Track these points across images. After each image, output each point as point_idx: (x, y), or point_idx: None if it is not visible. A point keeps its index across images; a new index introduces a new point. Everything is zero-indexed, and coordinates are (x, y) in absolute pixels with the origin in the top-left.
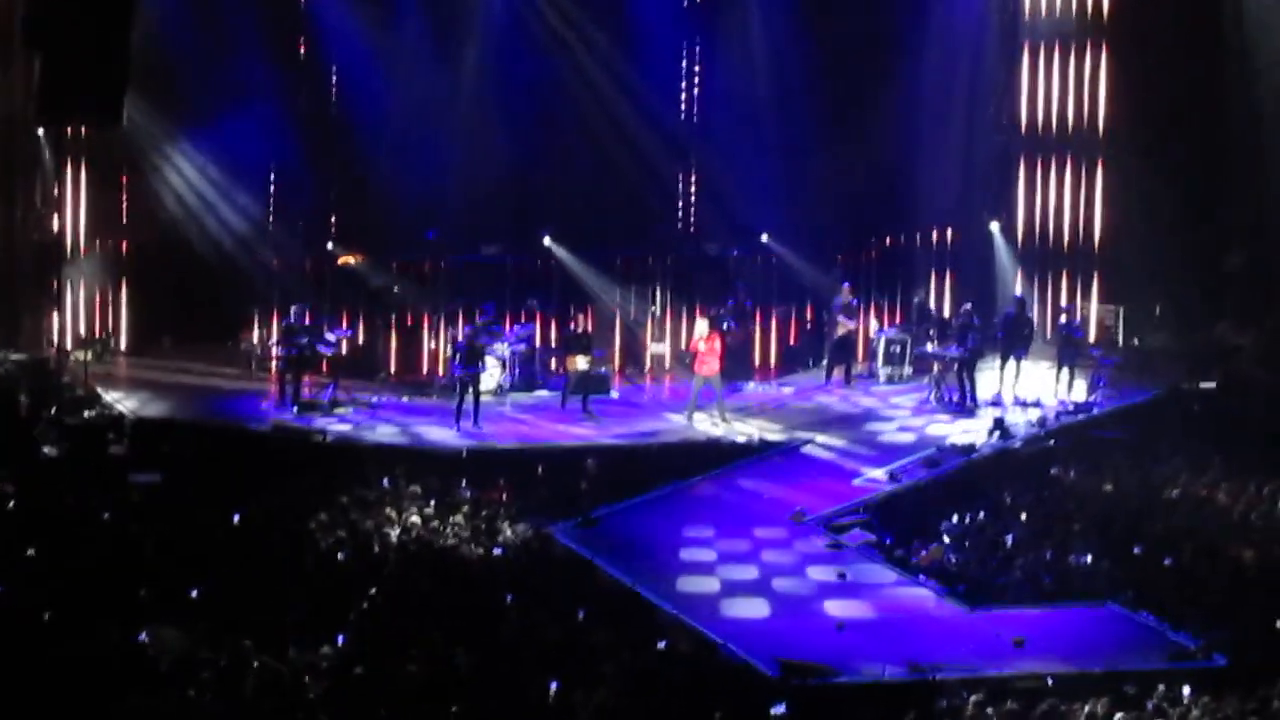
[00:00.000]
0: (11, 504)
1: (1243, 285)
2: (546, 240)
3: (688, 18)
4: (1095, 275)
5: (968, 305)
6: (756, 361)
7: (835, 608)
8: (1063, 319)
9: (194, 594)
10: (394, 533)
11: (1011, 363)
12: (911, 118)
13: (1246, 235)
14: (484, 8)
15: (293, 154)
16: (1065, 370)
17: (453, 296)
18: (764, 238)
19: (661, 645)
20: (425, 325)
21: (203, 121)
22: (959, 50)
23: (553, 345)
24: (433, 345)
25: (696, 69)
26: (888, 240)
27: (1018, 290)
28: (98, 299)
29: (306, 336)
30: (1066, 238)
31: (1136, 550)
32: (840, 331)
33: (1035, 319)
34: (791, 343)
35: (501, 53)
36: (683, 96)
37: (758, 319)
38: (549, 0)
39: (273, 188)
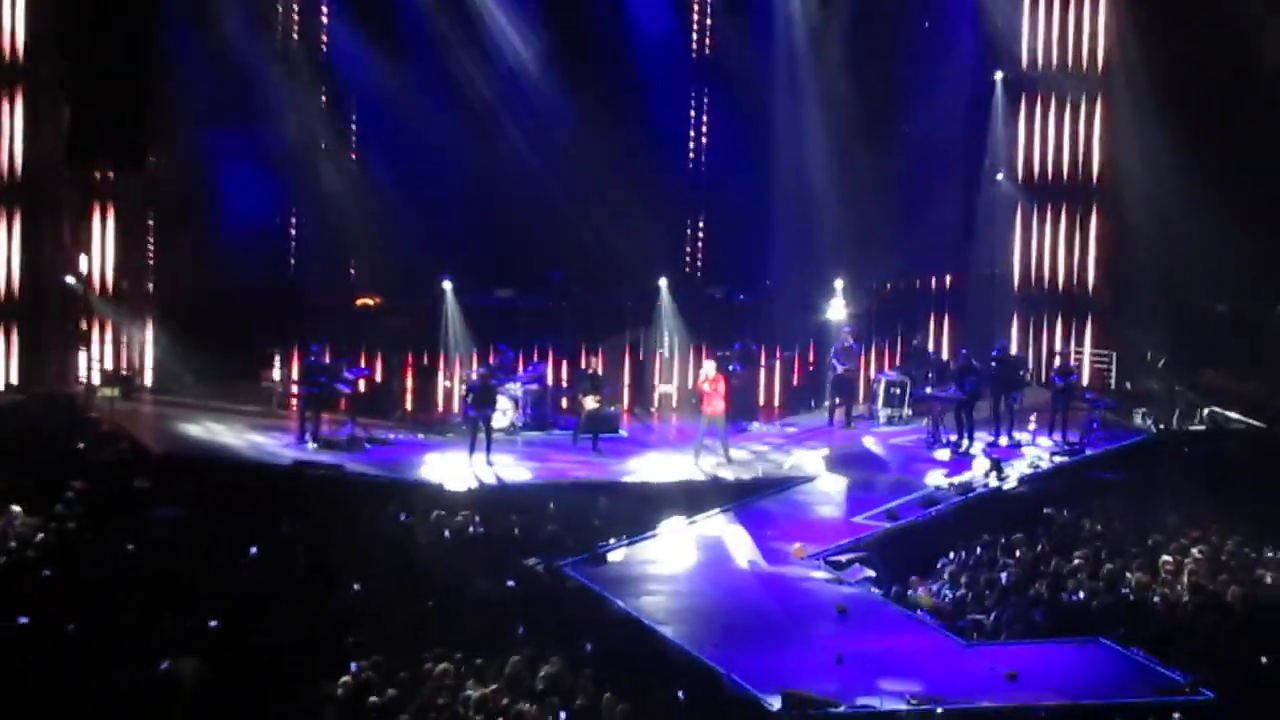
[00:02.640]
0: (39, 536)
1: (1230, 334)
2: (556, 281)
3: (696, 69)
4: (1089, 322)
5: (965, 350)
6: (761, 402)
7: (835, 641)
8: (1056, 362)
9: (213, 624)
10: (408, 565)
11: (1005, 405)
12: (912, 166)
13: (1231, 288)
14: (498, 60)
15: (312, 199)
16: (1059, 412)
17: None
18: (768, 283)
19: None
20: (440, 365)
21: (225, 167)
22: (958, 100)
23: (564, 385)
24: (447, 384)
25: (704, 119)
26: (889, 285)
27: (1011, 335)
28: (123, 338)
29: (325, 375)
30: (1061, 284)
31: (1127, 589)
32: (839, 373)
33: (1030, 362)
34: (795, 384)
35: (515, 102)
36: (691, 146)
37: (762, 361)
38: (563, 52)
39: (293, 231)
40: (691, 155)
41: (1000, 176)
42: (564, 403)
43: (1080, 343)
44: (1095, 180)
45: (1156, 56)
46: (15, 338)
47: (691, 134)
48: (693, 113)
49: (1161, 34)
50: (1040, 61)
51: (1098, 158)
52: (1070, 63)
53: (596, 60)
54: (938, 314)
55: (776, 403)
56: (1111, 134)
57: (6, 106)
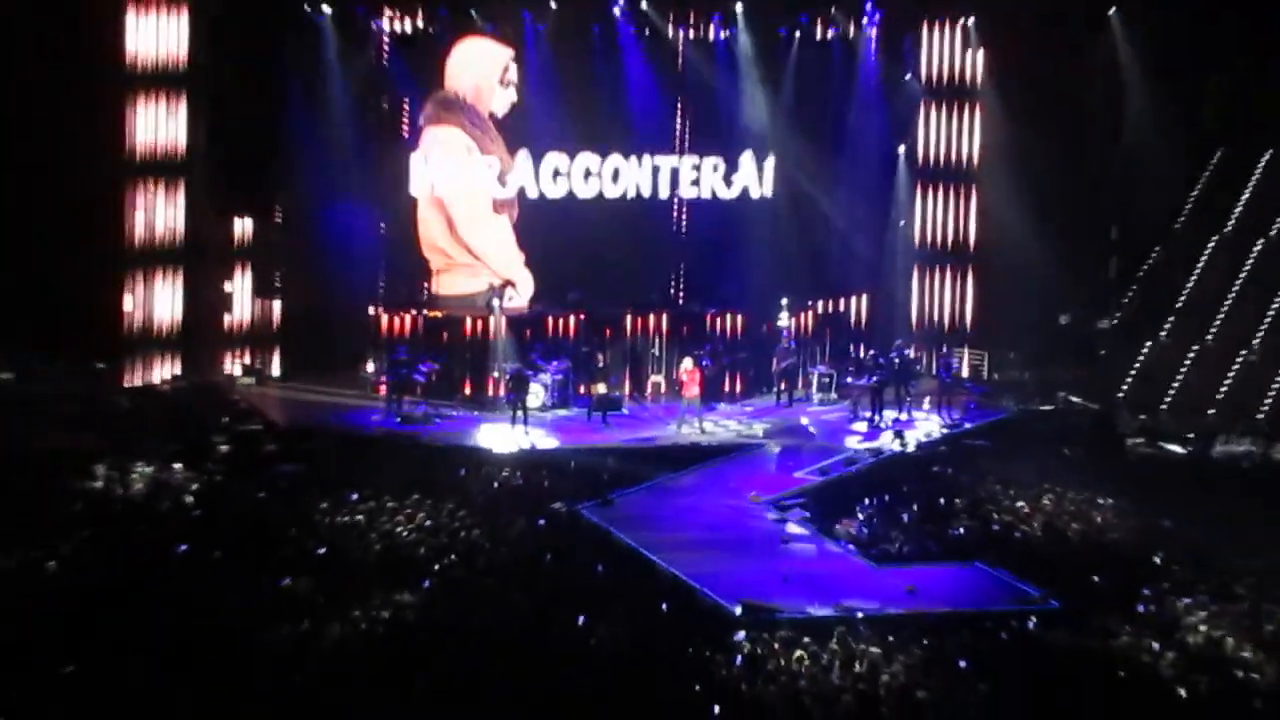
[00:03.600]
0: (195, 487)
1: (1070, 338)
2: (577, 299)
3: (681, 135)
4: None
5: (874, 350)
6: (726, 388)
7: (782, 564)
8: (944, 359)
9: (320, 552)
10: (465, 508)
11: (904, 390)
12: (836, 213)
13: (1070, 303)
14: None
15: (399, 237)
16: (945, 397)
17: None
18: (729, 299)
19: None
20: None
21: (331, 209)
22: (872, 172)
23: (581, 374)
24: (495, 375)
25: (682, 179)
26: (821, 304)
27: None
28: (259, 317)
29: (406, 368)
30: (949, 313)
31: (995, 526)
32: (782, 365)
33: (924, 361)
34: (751, 375)
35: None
36: (674, 201)
37: (725, 358)
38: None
39: (382, 261)
40: (675, 208)
41: (903, 223)
42: (581, 388)
43: (961, 346)
44: (973, 246)
45: (1016, 150)
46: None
47: (674, 189)
48: (676, 174)
49: (1020, 133)
50: (932, 153)
51: (974, 226)
52: (953, 156)
53: (608, 128)
54: (857, 324)
55: (738, 389)
56: (983, 209)
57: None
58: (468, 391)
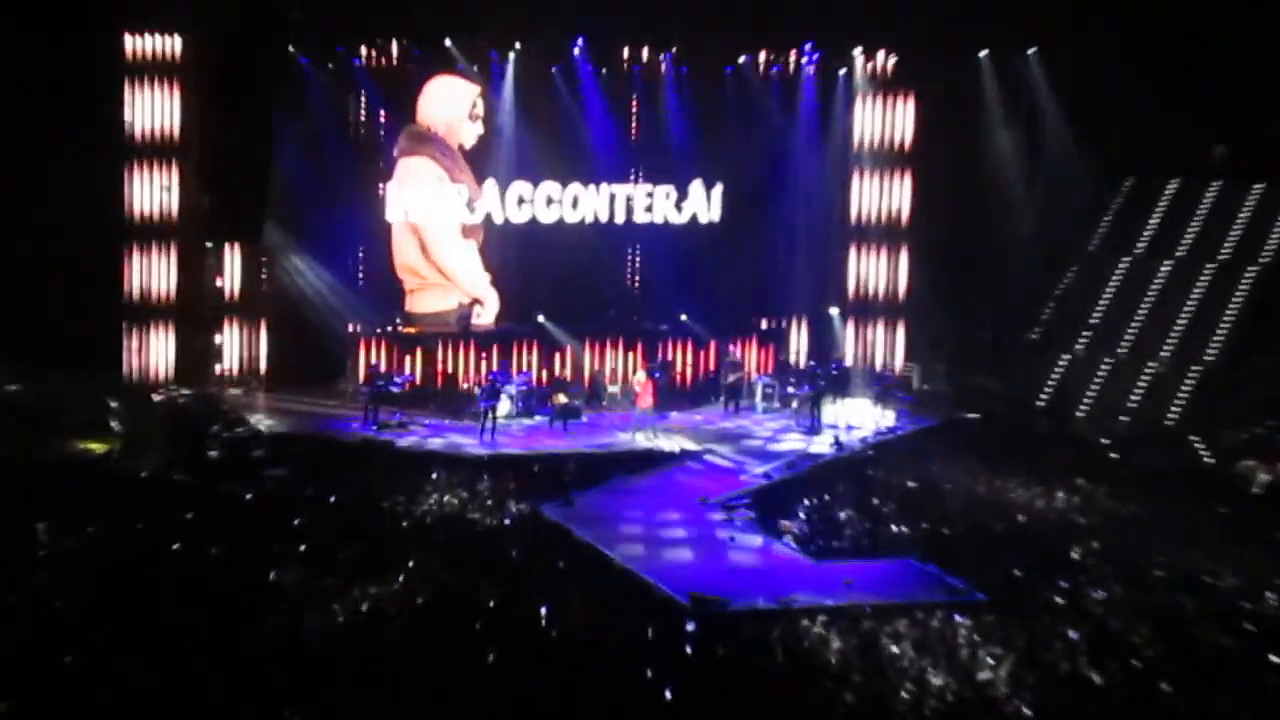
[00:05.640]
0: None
1: (991, 351)
2: (541, 318)
3: (632, 154)
4: (901, 342)
5: (811, 362)
6: (677, 398)
7: (728, 559)
8: (877, 370)
9: (303, 548)
10: (438, 508)
11: (840, 400)
12: (778, 237)
13: (990, 318)
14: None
15: (376, 260)
16: (879, 406)
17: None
18: (683, 317)
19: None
20: (461, 374)
21: (314, 234)
22: (811, 198)
23: (544, 386)
24: (465, 386)
25: (634, 203)
26: (765, 321)
27: (846, 355)
28: (246, 352)
29: (383, 380)
30: (883, 321)
31: (924, 525)
32: (730, 378)
33: (859, 372)
34: (701, 386)
35: (513, 195)
36: (629, 226)
37: (676, 370)
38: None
39: (360, 282)
40: (629, 233)
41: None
42: (546, 399)
43: (893, 354)
44: (902, 296)
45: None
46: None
47: (628, 211)
48: (629, 199)
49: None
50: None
51: (906, 214)
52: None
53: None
54: (798, 339)
55: (688, 399)
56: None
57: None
58: (439, 401)
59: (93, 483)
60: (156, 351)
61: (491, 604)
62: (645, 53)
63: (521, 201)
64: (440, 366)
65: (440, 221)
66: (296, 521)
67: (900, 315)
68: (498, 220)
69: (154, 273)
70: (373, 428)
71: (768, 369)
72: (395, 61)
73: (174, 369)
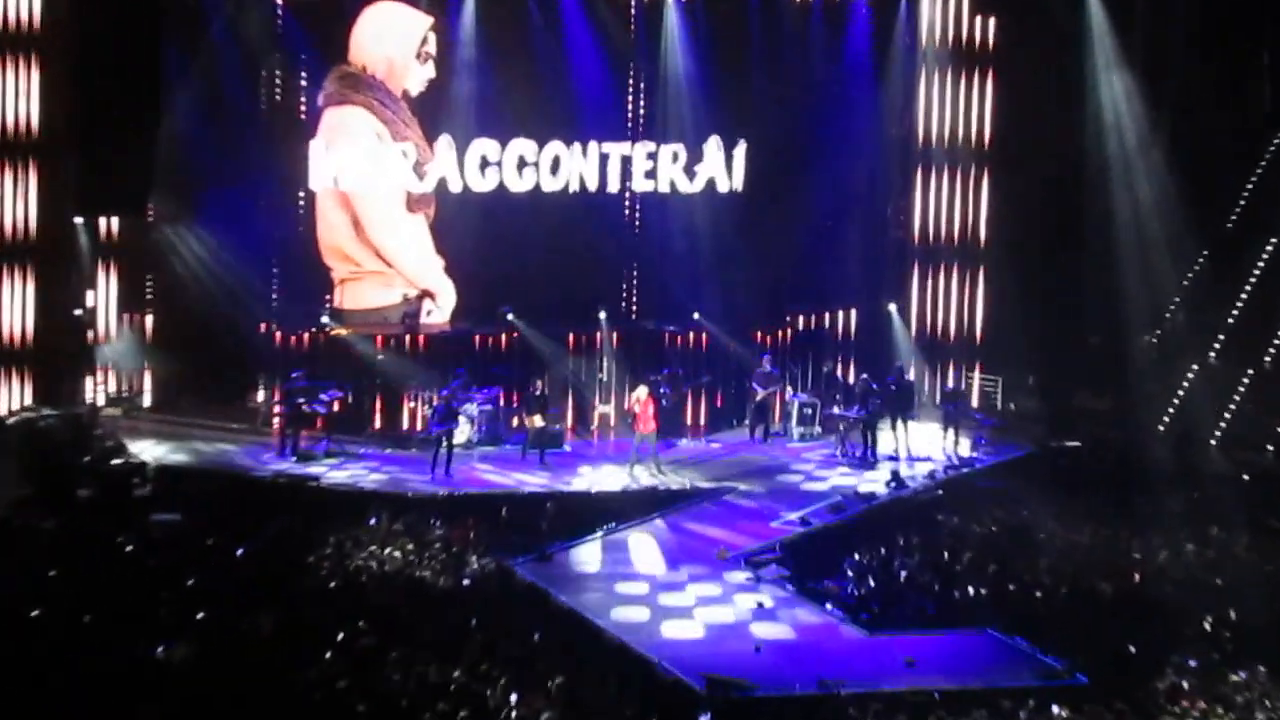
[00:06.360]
0: (52, 537)
1: (1098, 361)
2: (509, 316)
3: (633, 133)
4: (978, 349)
5: (864, 375)
6: (688, 421)
7: (754, 631)
8: (949, 385)
9: (200, 616)
10: (377, 565)
11: (902, 423)
12: (820, 216)
13: (1100, 321)
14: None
15: (296, 240)
16: (951, 430)
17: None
18: (696, 315)
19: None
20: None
21: (215, 206)
22: (860, 160)
23: (514, 405)
24: (411, 405)
25: (633, 166)
26: (801, 319)
27: (908, 364)
28: (126, 363)
29: (304, 397)
30: (954, 320)
31: (1011, 585)
32: (759, 397)
33: (926, 387)
34: (718, 405)
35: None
36: (626, 196)
37: (687, 385)
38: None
39: (275, 269)
40: (627, 204)
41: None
42: (515, 421)
43: (971, 370)
44: (983, 243)
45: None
46: (30, 368)
47: (628, 184)
48: (629, 165)
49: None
50: (935, 137)
51: (985, 219)
52: (960, 137)
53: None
54: (844, 344)
55: (702, 421)
56: (994, 201)
57: (21, 168)
58: (378, 425)
59: None
60: (8, 316)
61: (450, 687)
62: None
63: (485, 165)
64: (379, 379)
65: (379, 191)
66: (191, 581)
67: (978, 340)
68: (454, 189)
69: (5, 208)
70: (290, 458)
71: (806, 383)
72: None
73: (31, 340)
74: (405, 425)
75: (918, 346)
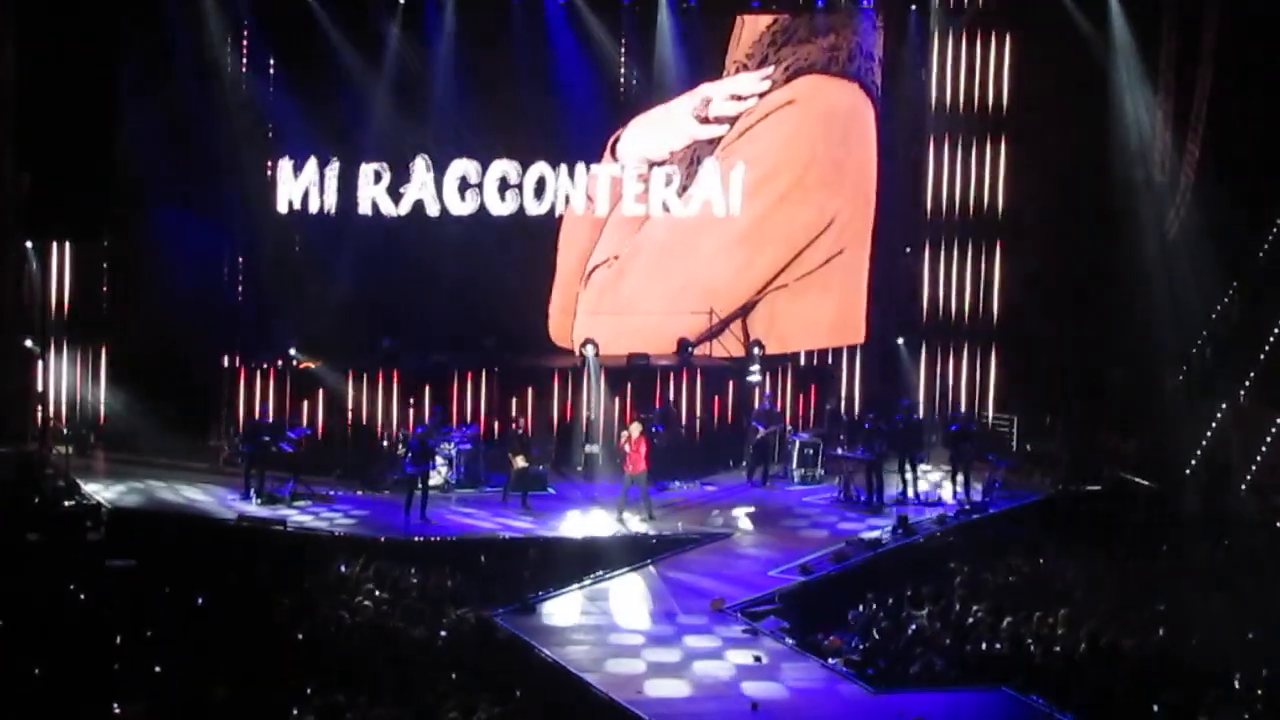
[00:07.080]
0: None
1: (1122, 398)
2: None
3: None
4: (994, 384)
5: (872, 414)
6: (682, 461)
7: (751, 689)
8: (958, 424)
9: (159, 671)
10: (347, 614)
11: (910, 465)
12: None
13: (1125, 356)
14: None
15: (261, 268)
16: (962, 472)
17: None
18: (690, 349)
19: None
20: (378, 426)
21: (175, 229)
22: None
23: (495, 442)
24: (385, 444)
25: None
26: (803, 352)
27: (917, 401)
28: (80, 393)
29: (269, 435)
30: (969, 354)
31: (1027, 639)
32: (759, 435)
33: (934, 416)
34: (715, 445)
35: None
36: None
37: (684, 423)
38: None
39: (240, 298)
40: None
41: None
42: (496, 461)
43: (984, 406)
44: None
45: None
46: None
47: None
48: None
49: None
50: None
51: (1002, 202)
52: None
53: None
54: (849, 377)
55: (697, 462)
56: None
57: None
58: (349, 465)
59: None
60: None
61: None
62: None
63: (465, 187)
64: (350, 415)
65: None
66: (149, 633)
67: (993, 345)
68: (431, 212)
69: None
70: (255, 501)
71: (809, 422)
72: None
73: None
74: (378, 467)
75: (930, 390)
